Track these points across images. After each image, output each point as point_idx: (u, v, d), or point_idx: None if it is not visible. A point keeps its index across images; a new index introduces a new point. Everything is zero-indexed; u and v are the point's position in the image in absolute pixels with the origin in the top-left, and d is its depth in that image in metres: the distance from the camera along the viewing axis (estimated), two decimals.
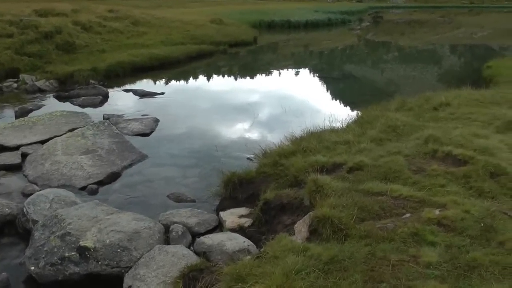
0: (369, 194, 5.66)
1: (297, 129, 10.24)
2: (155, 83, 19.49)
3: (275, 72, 24.47)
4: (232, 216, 6.97)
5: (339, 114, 12.64)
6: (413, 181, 6.00)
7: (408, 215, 5.17)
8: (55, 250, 5.97)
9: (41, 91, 17.29)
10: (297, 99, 17.15)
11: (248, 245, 5.93)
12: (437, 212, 5.08)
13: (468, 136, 7.58)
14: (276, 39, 40.24)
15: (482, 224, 4.78)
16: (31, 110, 14.25)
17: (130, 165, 9.70)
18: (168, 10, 46.82)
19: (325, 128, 9.71)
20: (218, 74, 22.80)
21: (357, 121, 9.97)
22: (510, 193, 5.76)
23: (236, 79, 21.99)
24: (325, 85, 22.12)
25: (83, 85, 17.29)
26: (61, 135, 11.01)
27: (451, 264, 4.11)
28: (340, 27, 52.74)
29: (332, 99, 19.02)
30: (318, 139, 8.49)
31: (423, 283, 3.81)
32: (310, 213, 5.40)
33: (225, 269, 4.37)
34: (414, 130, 8.63)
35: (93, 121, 12.13)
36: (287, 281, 3.81)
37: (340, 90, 21.08)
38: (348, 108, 16.14)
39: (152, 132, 12.10)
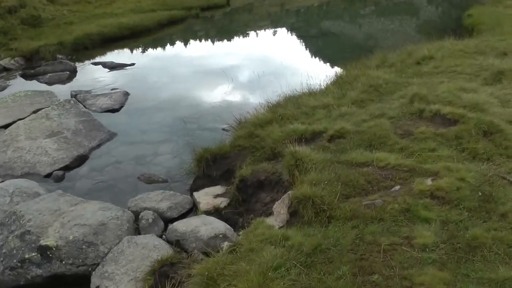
0: (353, 165, 5.14)
1: (274, 93, 9.67)
2: (125, 54, 18.58)
3: (250, 34, 23.62)
4: (207, 197, 6.44)
5: (318, 74, 11.98)
6: (400, 147, 5.49)
7: (397, 187, 4.65)
8: (14, 252, 5.42)
9: (6, 70, 16.35)
10: (274, 61, 16.42)
11: (225, 231, 5.41)
12: (429, 182, 4.57)
13: (456, 91, 7.05)
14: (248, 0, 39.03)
15: (480, 194, 4.29)
16: None
17: (98, 146, 9.06)
18: None
19: (303, 91, 9.10)
20: (190, 40, 21.84)
21: (336, 82, 9.33)
22: (506, 153, 5.28)
23: (210, 43, 21.10)
24: (303, 44, 21.54)
25: (49, 61, 16.39)
26: (25, 118, 10.28)
27: (449, 245, 3.62)
28: None
29: (311, 57, 18.46)
30: (296, 105, 7.92)
31: (420, 271, 3.33)
32: (289, 192, 4.88)
33: (195, 269, 3.83)
34: (398, 88, 8.09)
35: (59, 100, 11.37)
36: (264, 281, 3.29)
37: (318, 48, 20.43)
38: (327, 66, 15.56)
39: (121, 107, 11.42)
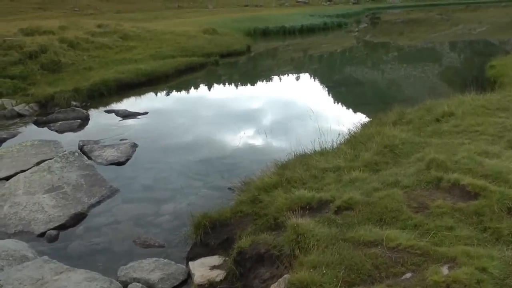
0: (360, 244, 4.60)
1: (287, 148, 9.25)
2: (141, 101, 18.41)
3: (270, 81, 23.46)
4: (202, 268, 5.91)
5: (336, 125, 11.66)
6: (414, 223, 4.94)
7: (408, 275, 4.09)
8: None
9: (20, 116, 16.22)
10: (292, 110, 16.11)
11: None
12: (445, 270, 4.00)
13: (477, 156, 6.49)
14: (271, 46, 39.19)
15: None
16: (5, 139, 13.25)
17: (98, 203, 8.64)
18: (163, 21, 46.00)
19: (315, 149, 8.65)
20: (206, 87, 21.70)
21: (349, 142, 8.82)
22: None
23: (225, 93, 20.84)
24: (325, 90, 21.55)
25: (64, 107, 16.27)
26: (27, 170, 9.97)
27: None
28: (337, 31, 51.60)
29: (333, 103, 18.30)
30: (305, 166, 7.43)
31: None
32: (286, 276, 4.35)
33: None
34: (415, 149, 7.57)
35: (65, 151, 11.07)
36: None
37: (341, 94, 20.27)
38: (348, 115, 15.28)
39: (128, 159, 11.04)
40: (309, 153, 8.47)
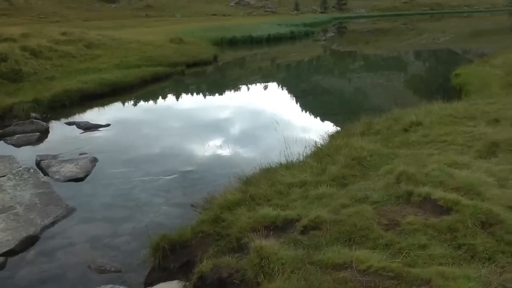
0: (328, 268, 4.26)
1: (252, 161, 8.94)
2: (103, 112, 17.84)
3: (237, 91, 23.23)
4: None
5: (303, 136, 11.39)
6: (385, 242, 4.63)
7: None
8: None
9: None
10: (259, 120, 15.89)
11: None
12: None
13: (447, 167, 6.26)
14: (238, 55, 38.99)
15: None
16: None
17: (53, 224, 8.11)
18: (130, 30, 45.41)
19: (280, 162, 8.32)
20: (172, 98, 21.26)
21: (316, 154, 8.51)
22: (509, 250, 4.43)
23: (191, 103, 20.41)
24: (293, 98, 21.46)
25: (23, 119, 15.56)
26: None
27: None
28: (304, 40, 51.79)
29: (301, 112, 18.25)
30: (270, 181, 7.09)
31: None
32: None
33: None
34: (383, 160, 7.32)
35: (20, 167, 10.49)
36: None
37: (308, 103, 20.20)
38: (315, 125, 15.09)
39: (87, 175, 10.52)
40: (274, 166, 8.14)
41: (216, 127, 15.09)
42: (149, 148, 12.76)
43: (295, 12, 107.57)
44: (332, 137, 10.21)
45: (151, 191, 9.35)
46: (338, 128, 12.07)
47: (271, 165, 8.30)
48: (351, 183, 6.55)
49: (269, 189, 6.65)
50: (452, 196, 5.18)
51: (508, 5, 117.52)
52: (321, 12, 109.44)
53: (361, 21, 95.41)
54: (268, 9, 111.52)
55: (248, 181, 7.53)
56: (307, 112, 18.01)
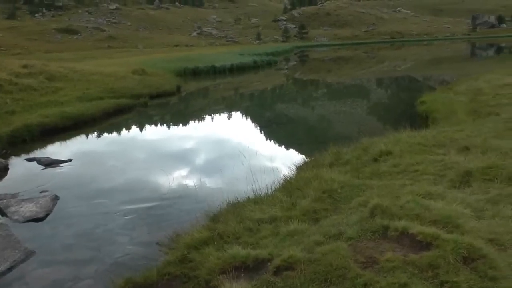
0: None
1: (219, 195, 8.61)
2: (65, 147, 17.25)
3: (201, 122, 22.92)
4: None
5: (270, 167, 11.14)
6: (363, 282, 4.37)
7: None
8: None
9: None
10: (225, 152, 15.59)
11: None
12: None
13: (421, 199, 6.08)
14: (201, 86, 38.80)
15: None
16: None
17: (10, 269, 7.55)
18: (92, 61, 44.89)
19: (249, 196, 8.01)
20: (135, 130, 20.79)
21: (285, 188, 8.23)
22: (494, 286, 4.23)
23: (155, 135, 19.96)
24: (258, 128, 21.31)
25: None
26: None
27: None
28: (266, 69, 52.05)
29: (266, 142, 18.02)
30: (239, 217, 6.77)
31: None
32: None
33: None
34: (355, 192, 7.10)
35: None
36: None
37: (273, 132, 20.02)
38: (282, 156, 14.85)
39: (47, 214, 9.96)
40: (242, 201, 7.82)
41: (181, 159, 14.74)
42: (113, 182, 12.30)
43: (257, 41, 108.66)
44: (301, 168, 9.98)
45: (115, 230, 8.90)
46: (306, 159, 11.84)
47: (239, 199, 7.99)
48: (323, 217, 6.30)
49: (238, 226, 6.34)
50: (431, 230, 4.97)
51: (466, 33, 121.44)
52: (283, 41, 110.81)
53: (322, 50, 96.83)
54: (230, 39, 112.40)
55: (215, 217, 7.20)
56: (273, 141, 17.82)
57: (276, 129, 20.83)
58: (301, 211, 6.50)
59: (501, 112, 14.23)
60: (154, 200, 10.53)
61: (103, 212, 9.97)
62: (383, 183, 7.36)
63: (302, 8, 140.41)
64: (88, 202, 10.71)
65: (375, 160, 9.19)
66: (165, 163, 13.64)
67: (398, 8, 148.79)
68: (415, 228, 5.07)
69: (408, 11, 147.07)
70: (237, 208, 7.30)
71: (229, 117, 24.50)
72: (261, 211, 6.80)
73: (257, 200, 7.54)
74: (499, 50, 77.07)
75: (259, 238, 5.89)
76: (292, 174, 9.41)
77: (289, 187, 8.00)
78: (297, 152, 15.10)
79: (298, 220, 6.17)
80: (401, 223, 5.23)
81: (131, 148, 17.15)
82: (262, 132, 20.11)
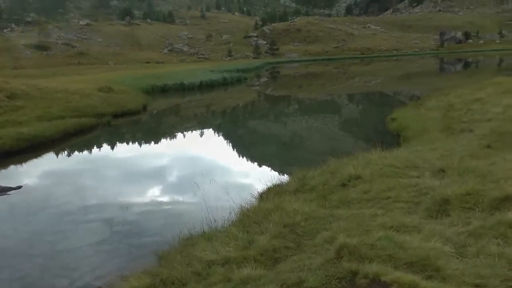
0: None
1: (172, 227, 7.75)
2: (17, 172, 16.10)
3: (169, 140, 22.07)
4: None
5: (233, 191, 10.32)
6: None
7: None
8: None
9: None
10: (187, 173, 14.72)
11: None
12: None
13: (395, 234, 5.29)
14: (170, 103, 37.86)
15: None
16: None
17: None
18: (61, 78, 43.61)
19: (203, 230, 7.13)
20: (92, 153, 19.61)
21: (242, 221, 7.32)
22: None
23: (112, 158, 18.77)
24: (230, 144, 20.85)
25: None
26: None
27: None
28: (237, 85, 51.35)
29: (236, 160, 17.36)
30: (188, 257, 5.89)
31: None
32: None
33: None
34: (320, 225, 6.30)
35: None
36: None
37: (244, 149, 19.64)
38: (249, 175, 14.09)
39: None
40: (195, 236, 6.94)
41: (139, 184, 13.82)
42: (58, 215, 11.11)
43: (228, 58, 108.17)
44: (262, 197, 9.13)
45: (54, 271, 7.90)
46: (269, 184, 10.90)
47: (192, 233, 7.10)
48: (284, 257, 5.46)
49: (185, 270, 5.46)
50: (407, 278, 4.16)
51: (434, 49, 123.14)
52: (254, 58, 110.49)
53: (293, 66, 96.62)
54: (201, 56, 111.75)
55: (163, 257, 6.30)
56: (244, 158, 17.32)
57: (248, 146, 20.28)
58: (259, 251, 5.64)
59: (474, 128, 13.69)
60: (103, 234, 9.50)
61: (43, 250, 8.92)
62: (352, 213, 6.56)
63: (273, 24, 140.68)
64: (28, 237, 9.64)
65: (344, 185, 8.40)
66: (121, 190, 12.74)
67: (368, 25, 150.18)
68: (388, 274, 4.27)
69: (378, 27, 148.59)
70: (186, 247, 6.40)
71: (197, 135, 23.75)
72: (213, 250, 5.91)
73: (211, 236, 6.64)
74: (466, 65, 78.00)
75: (207, 285, 5.02)
76: (251, 204, 8.54)
77: (247, 221, 7.12)
78: (268, 170, 14.60)
79: (254, 262, 5.32)
80: (372, 268, 4.42)
81: (87, 173, 16.02)
82: (235, 149, 19.63)
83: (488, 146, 10.84)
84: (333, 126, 25.99)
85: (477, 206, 6.19)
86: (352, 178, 8.56)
